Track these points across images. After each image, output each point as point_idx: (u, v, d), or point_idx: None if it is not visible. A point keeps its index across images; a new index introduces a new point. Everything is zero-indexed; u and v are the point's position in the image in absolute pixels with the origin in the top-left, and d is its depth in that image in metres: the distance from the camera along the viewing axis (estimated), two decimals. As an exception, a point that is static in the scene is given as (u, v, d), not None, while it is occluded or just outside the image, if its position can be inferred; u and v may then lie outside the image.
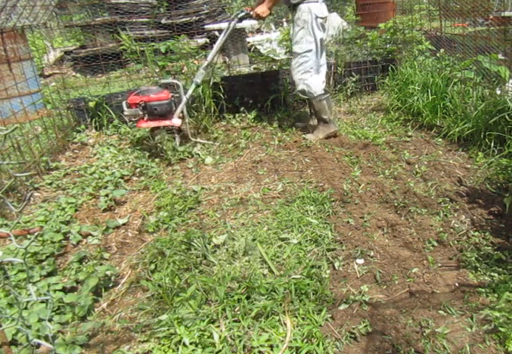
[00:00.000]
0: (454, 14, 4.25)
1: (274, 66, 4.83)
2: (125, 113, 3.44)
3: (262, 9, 3.32)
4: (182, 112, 3.52)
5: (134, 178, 3.16)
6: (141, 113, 3.39)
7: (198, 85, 3.58)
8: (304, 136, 3.67)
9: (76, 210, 2.72)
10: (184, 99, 3.49)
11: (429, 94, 3.69)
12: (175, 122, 3.46)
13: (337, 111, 4.35)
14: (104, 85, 5.30)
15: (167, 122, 3.45)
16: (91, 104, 4.15)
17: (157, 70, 4.30)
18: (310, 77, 3.47)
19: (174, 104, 3.50)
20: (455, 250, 2.09)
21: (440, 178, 2.79)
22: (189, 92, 3.52)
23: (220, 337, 1.60)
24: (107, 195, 2.79)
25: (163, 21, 7.02)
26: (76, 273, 2.05)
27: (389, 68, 4.55)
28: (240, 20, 3.49)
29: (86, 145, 3.94)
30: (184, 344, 1.58)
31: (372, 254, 2.10)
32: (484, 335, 1.59)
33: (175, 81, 3.56)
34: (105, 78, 5.85)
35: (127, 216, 2.63)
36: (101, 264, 2.15)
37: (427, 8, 4.96)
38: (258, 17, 3.35)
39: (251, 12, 3.37)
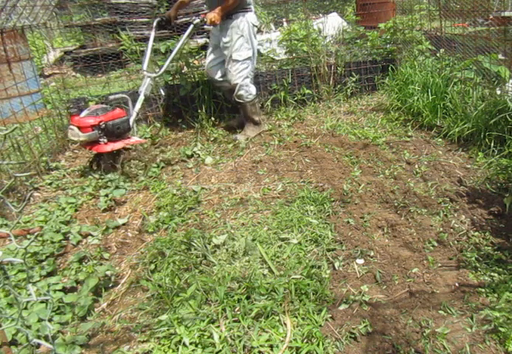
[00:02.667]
0: (454, 14, 4.24)
1: (274, 66, 4.83)
2: (82, 138, 2.92)
3: (216, 17, 3.32)
4: (132, 127, 3.25)
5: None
6: (99, 135, 2.97)
7: (146, 98, 3.33)
8: (234, 138, 3.73)
9: (76, 210, 2.72)
10: (134, 113, 3.23)
11: (429, 94, 3.69)
12: (139, 139, 3.20)
13: (337, 111, 4.35)
14: (104, 85, 5.30)
15: (132, 141, 3.12)
16: (91, 104, 4.15)
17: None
18: (249, 83, 3.65)
19: None
20: (455, 250, 2.09)
21: (440, 178, 2.78)
22: (138, 106, 3.24)
23: (220, 337, 1.60)
24: (107, 195, 2.79)
25: (163, 21, 7.01)
26: (76, 273, 2.05)
27: (389, 68, 4.55)
28: (195, 26, 3.42)
29: (86, 145, 3.94)
30: (184, 344, 1.58)
31: (372, 254, 2.10)
32: (484, 335, 1.59)
33: (123, 95, 3.30)
34: (105, 78, 5.85)
35: (127, 216, 2.63)
36: (101, 264, 2.15)
37: (427, 8, 4.95)
38: (213, 23, 3.34)
39: (206, 19, 3.34)
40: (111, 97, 3.27)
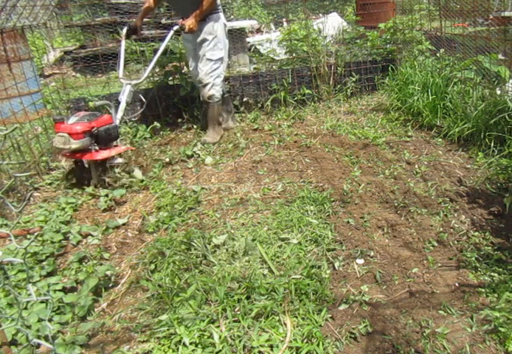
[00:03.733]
0: (454, 14, 4.24)
1: (274, 66, 4.84)
2: (74, 146, 2.72)
3: (194, 23, 3.33)
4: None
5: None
6: (91, 142, 2.82)
7: (128, 104, 3.22)
8: (202, 141, 3.70)
9: (76, 210, 2.72)
10: (117, 121, 3.07)
11: (429, 94, 3.69)
12: (127, 146, 3.10)
13: (337, 111, 4.35)
14: (104, 85, 5.31)
15: (122, 148, 3.00)
16: (91, 104, 4.15)
17: (157, 70, 4.30)
18: (220, 83, 3.69)
19: None
20: (455, 250, 2.09)
21: (440, 178, 2.78)
22: (120, 114, 3.11)
23: (220, 337, 1.60)
24: (107, 195, 2.79)
25: (163, 21, 7.01)
26: (76, 273, 2.05)
27: (389, 68, 4.55)
28: (175, 33, 3.38)
29: (86, 145, 3.93)
30: (184, 344, 1.58)
31: (372, 254, 2.10)
32: (484, 335, 1.59)
33: (107, 101, 3.19)
34: (105, 78, 5.85)
35: (127, 216, 2.63)
36: (101, 264, 2.15)
37: (427, 8, 4.95)
38: (191, 30, 3.35)
39: (184, 26, 3.32)
40: (97, 103, 3.17)
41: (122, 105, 3.13)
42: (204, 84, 3.61)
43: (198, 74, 3.72)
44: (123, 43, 3.48)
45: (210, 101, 3.69)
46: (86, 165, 2.98)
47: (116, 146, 3.02)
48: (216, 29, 3.54)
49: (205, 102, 3.75)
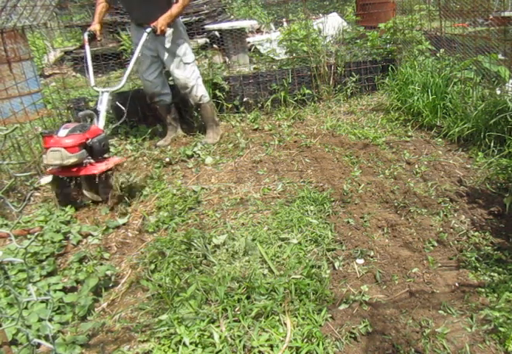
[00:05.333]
0: (454, 14, 4.24)
1: (274, 66, 4.84)
2: (72, 160, 2.50)
3: (165, 25, 3.26)
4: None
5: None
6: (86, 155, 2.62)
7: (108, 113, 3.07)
8: (202, 142, 3.68)
9: (76, 210, 2.71)
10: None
11: (429, 94, 3.69)
12: (119, 158, 2.92)
13: (337, 111, 4.35)
14: (104, 85, 5.30)
15: (117, 159, 2.81)
16: (91, 104, 4.15)
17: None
18: (202, 82, 3.72)
19: None
20: (455, 250, 2.09)
21: (440, 178, 2.79)
22: (103, 123, 2.92)
23: (220, 337, 1.60)
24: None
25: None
26: (76, 273, 2.05)
27: (389, 68, 4.55)
28: (148, 34, 3.23)
29: (86, 145, 3.93)
30: (184, 344, 1.58)
31: (372, 254, 2.10)
32: (484, 335, 1.59)
33: (91, 112, 2.96)
34: (105, 78, 5.85)
35: (127, 216, 2.63)
36: (101, 264, 2.15)
37: (427, 8, 4.95)
38: (162, 32, 3.28)
39: (156, 28, 3.21)
40: (81, 113, 2.94)
41: (103, 114, 2.94)
42: (190, 87, 3.61)
43: (157, 84, 3.65)
44: (87, 48, 3.28)
45: (201, 102, 3.70)
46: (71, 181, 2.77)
47: (107, 158, 2.79)
48: (184, 33, 3.56)
49: (197, 105, 3.76)
